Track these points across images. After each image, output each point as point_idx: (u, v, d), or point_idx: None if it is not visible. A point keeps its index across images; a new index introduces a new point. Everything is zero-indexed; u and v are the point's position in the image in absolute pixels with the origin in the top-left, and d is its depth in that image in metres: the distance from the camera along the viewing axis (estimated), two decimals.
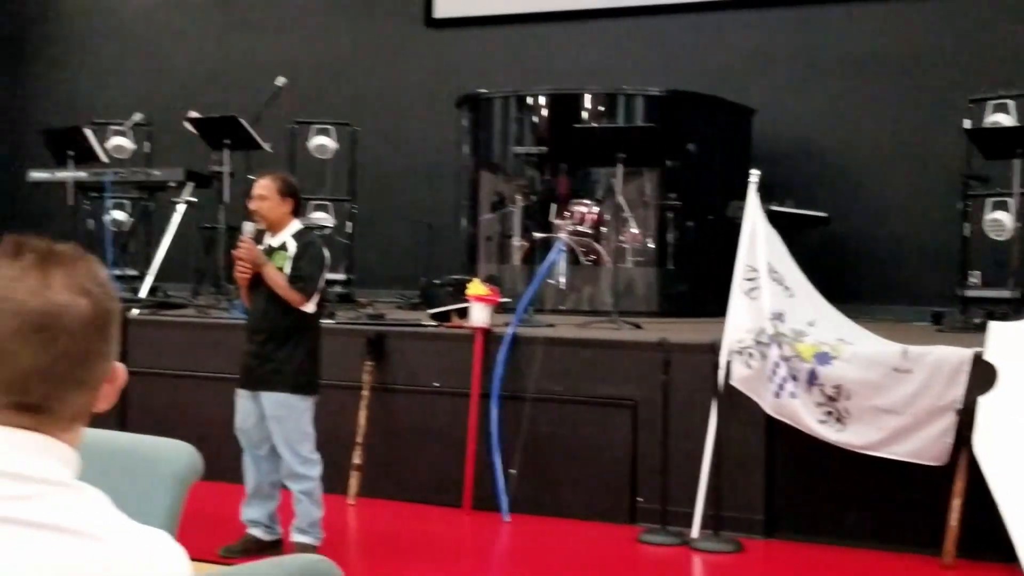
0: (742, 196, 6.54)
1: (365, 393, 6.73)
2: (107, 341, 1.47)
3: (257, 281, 5.46)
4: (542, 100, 9.58)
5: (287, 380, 5.42)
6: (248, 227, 5.54)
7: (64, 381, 1.42)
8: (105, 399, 1.51)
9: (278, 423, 5.41)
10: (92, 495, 1.42)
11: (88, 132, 9.40)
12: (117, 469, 2.39)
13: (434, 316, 7.39)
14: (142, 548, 1.40)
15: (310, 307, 5.49)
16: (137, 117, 10.35)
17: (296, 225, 5.64)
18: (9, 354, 1.38)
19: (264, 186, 5.54)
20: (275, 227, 5.56)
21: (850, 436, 5.69)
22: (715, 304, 8.51)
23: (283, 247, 5.51)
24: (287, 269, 5.44)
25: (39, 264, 1.41)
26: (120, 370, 1.51)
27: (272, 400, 5.41)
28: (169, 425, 5.96)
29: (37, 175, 9.61)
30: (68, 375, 1.42)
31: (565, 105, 9.51)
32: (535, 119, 9.66)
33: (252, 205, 5.58)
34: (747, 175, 6.42)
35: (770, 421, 5.95)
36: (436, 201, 10.83)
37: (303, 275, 5.45)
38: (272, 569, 1.49)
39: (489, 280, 7.41)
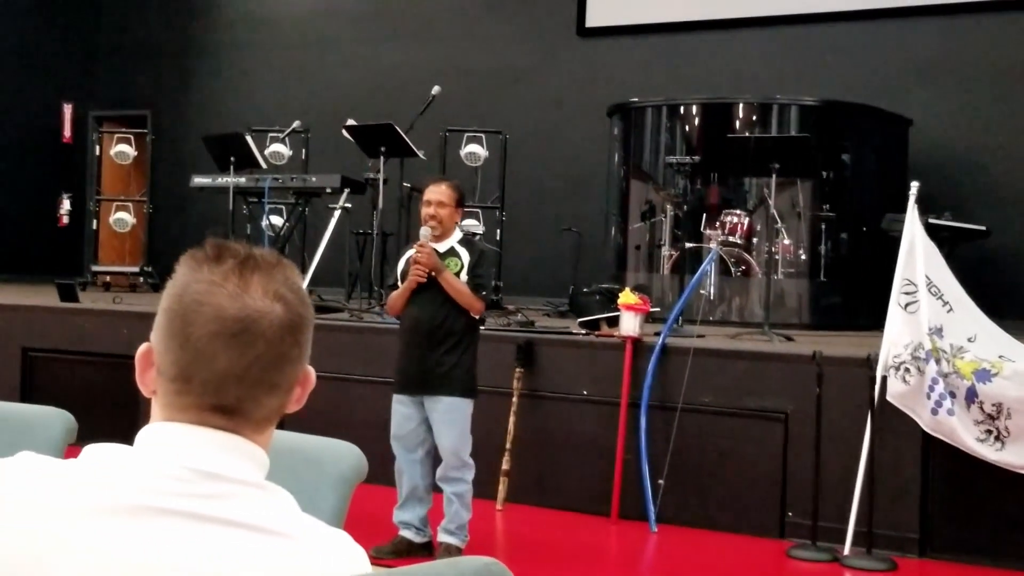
0: (897, 208, 6.41)
1: (514, 399, 6.77)
2: (300, 346, 1.51)
3: (421, 286, 5.50)
4: (694, 109, 9.52)
5: (458, 384, 5.49)
6: (425, 232, 5.57)
7: (258, 384, 1.46)
8: (296, 402, 1.56)
9: (447, 426, 5.47)
10: (283, 496, 1.47)
11: (248, 139, 9.65)
12: (283, 468, 2.43)
13: (583, 324, 7.40)
14: (330, 547, 1.45)
15: (479, 314, 5.59)
16: (296, 124, 10.60)
17: (459, 232, 5.71)
18: (207, 357, 1.43)
19: (443, 192, 5.60)
20: (443, 234, 5.62)
21: (1010, 455, 5.53)
22: (868, 317, 8.39)
23: (452, 253, 5.58)
24: (463, 276, 5.51)
25: (238, 269, 1.46)
26: (311, 373, 1.57)
27: (444, 404, 5.47)
28: (321, 427, 6.08)
29: (200, 180, 9.90)
30: (262, 378, 1.46)
31: (717, 114, 9.44)
32: (687, 128, 9.61)
33: (430, 211, 5.59)
34: (903, 187, 6.30)
35: (926, 438, 5.82)
36: (585, 209, 10.86)
37: (484, 283, 5.56)
38: (447, 569, 1.51)
39: (638, 289, 7.40)
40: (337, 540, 1.47)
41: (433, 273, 5.46)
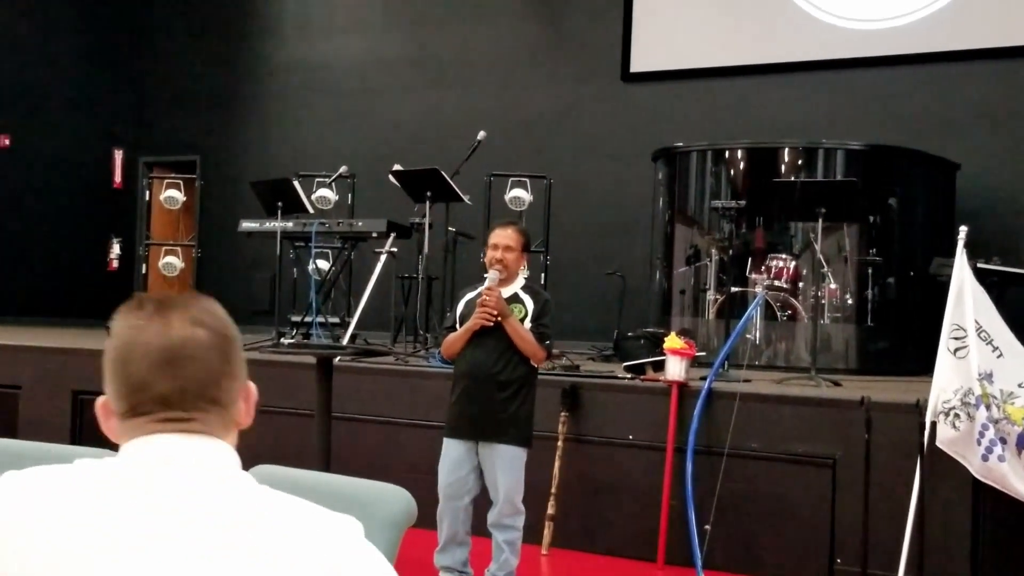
0: (945, 252, 6.37)
1: (560, 444, 6.76)
2: (230, 362, 1.71)
3: (482, 330, 5.45)
4: (739, 154, 9.53)
5: (517, 432, 5.43)
6: (493, 276, 5.48)
7: (199, 399, 1.67)
8: (245, 415, 1.76)
9: (504, 474, 5.41)
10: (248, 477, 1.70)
11: (296, 184, 9.75)
12: (334, 511, 2.45)
13: (629, 368, 7.39)
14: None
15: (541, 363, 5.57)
16: (342, 170, 10.69)
17: (522, 279, 5.67)
18: (148, 385, 1.65)
19: (511, 237, 5.54)
20: (507, 279, 5.56)
21: None
22: (916, 362, 8.33)
23: (515, 299, 5.52)
24: (527, 323, 5.47)
25: (158, 311, 1.68)
26: (252, 389, 1.77)
27: (503, 452, 5.42)
28: (368, 470, 6.10)
29: (247, 225, 9.99)
30: (202, 394, 1.67)
31: (763, 159, 9.44)
32: (732, 172, 9.61)
33: (497, 254, 5.51)
34: (950, 231, 6.27)
35: (977, 484, 5.75)
36: (630, 253, 10.86)
37: (548, 333, 5.51)
38: None
39: (684, 333, 7.38)
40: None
41: (500, 318, 5.45)
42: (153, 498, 1.57)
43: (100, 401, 1.71)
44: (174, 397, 1.65)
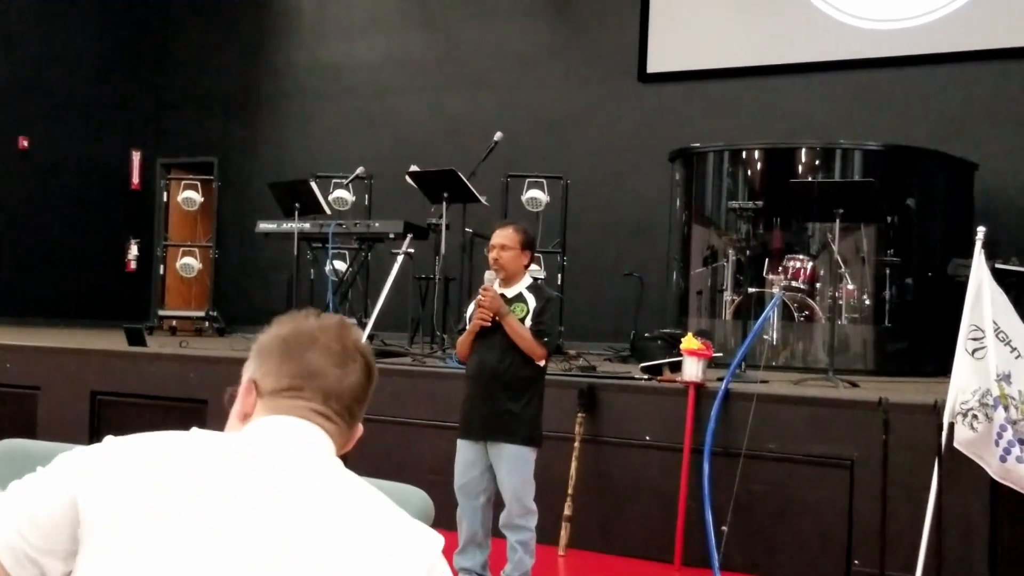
0: (963, 253, 6.35)
1: (576, 444, 6.76)
2: (370, 393, 1.94)
3: (487, 330, 5.49)
4: (757, 154, 9.51)
5: (522, 432, 5.43)
6: (490, 276, 5.53)
7: (345, 407, 1.88)
8: (351, 443, 1.94)
9: (510, 474, 5.43)
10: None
11: (313, 185, 9.76)
12: None
13: (645, 369, 7.38)
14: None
15: (543, 360, 5.55)
16: (359, 171, 10.71)
17: (528, 278, 5.68)
18: (320, 374, 1.87)
19: (507, 236, 5.55)
20: (511, 278, 5.58)
21: None
22: (934, 363, 8.31)
23: (519, 299, 5.54)
24: (528, 322, 5.48)
25: (338, 322, 1.95)
26: (361, 427, 1.96)
27: (508, 452, 5.43)
28: (384, 471, 6.11)
29: (265, 226, 10.02)
30: (349, 405, 1.89)
31: (780, 159, 9.42)
32: (749, 173, 9.60)
33: (493, 254, 5.57)
34: (968, 231, 6.24)
35: (995, 485, 5.73)
36: (647, 254, 10.86)
37: (548, 330, 5.50)
38: None
39: (701, 334, 7.37)
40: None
41: (497, 317, 5.47)
42: (269, 472, 1.71)
43: (246, 379, 1.89)
44: (333, 394, 1.85)
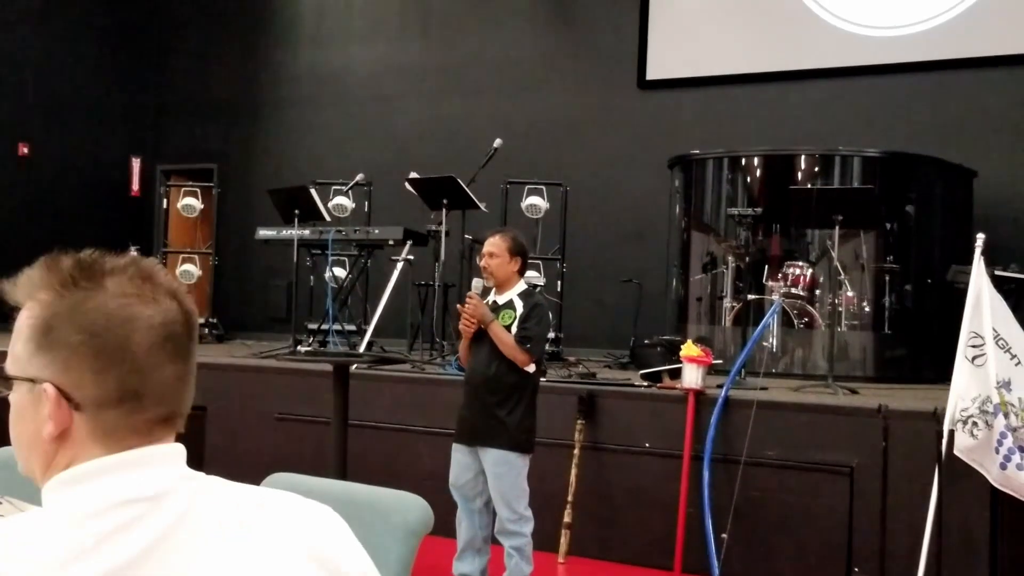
0: (962, 259, 6.34)
1: (576, 451, 6.76)
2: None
3: (479, 337, 5.52)
4: (756, 161, 9.52)
5: (508, 437, 5.45)
6: (477, 283, 5.60)
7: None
8: None
9: (496, 479, 5.46)
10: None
11: (312, 192, 9.77)
12: (351, 520, 2.45)
13: (645, 376, 7.39)
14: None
15: (531, 367, 5.55)
16: (359, 177, 10.71)
17: (522, 284, 5.69)
18: (152, 367, 1.43)
19: (495, 243, 5.59)
20: (502, 285, 5.62)
21: None
22: (933, 370, 8.31)
23: (509, 305, 5.56)
24: (514, 328, 5.50)
25: (143, 279, 1.47)
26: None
27: (492, 456, 5.46)
28: (385, 477, 6.11)
29: (264, 233, 10.03)
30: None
31: (779, 166, 9.43)
32: (748, 180, 9.60)
33: (482, 262, 5.64)
34: (968, 238, 6.25)
35: (995, 492, 5.73)
36: (646, 261, 10.85)
37: (531, 335, 5.50)
38: None
39: (700, 341, 7.37)
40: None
41: (481, 324, 5.48)
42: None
43: (50, 390, 1.39)
44: (180, 383, 1.45)
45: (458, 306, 5.61)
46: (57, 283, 1.41)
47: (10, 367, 1.44)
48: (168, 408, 1.45)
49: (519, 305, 5.55)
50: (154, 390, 1.42)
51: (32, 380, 1.40)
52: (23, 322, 1.42)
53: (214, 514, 1.42)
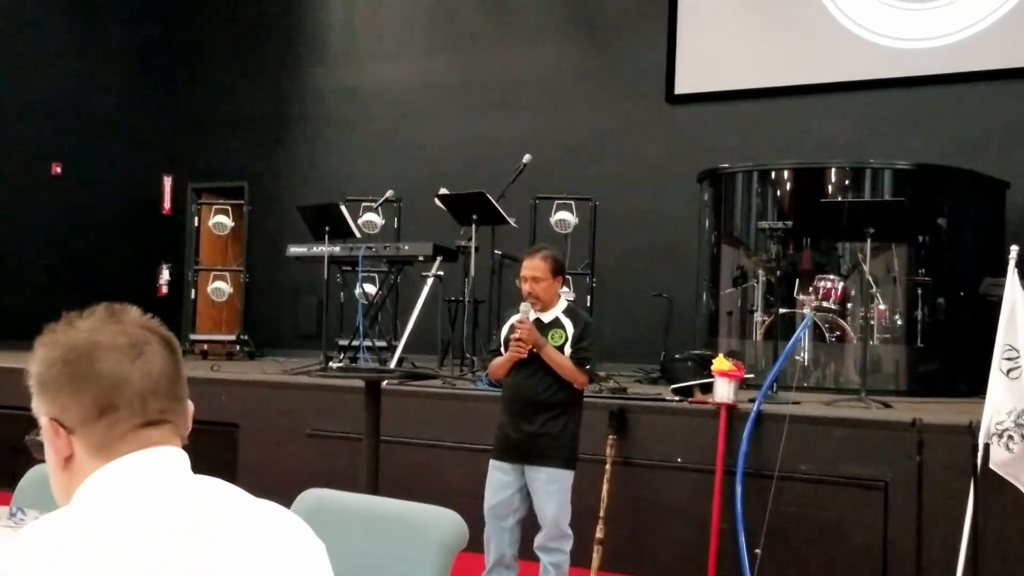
0: (995, 272, 6.29)
1: (608, 467, 6.74)
2: (181, 364, 1.74)
3: (528, 357, 5.49)
4: (786, 174, 9.49)
5: (559, 455, 5.44)
6: (524, 308, 5.54)
7: (170, 396, 1.69)
8: (188, 425, 1.74)
9: (547, 497, 5.43)
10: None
11: (342, 208, 9.80)
12: (386, 536, 2.45)
13: (676, 391, 7.36)
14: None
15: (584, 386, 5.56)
16: (389, 194, 10.74)
17: (563, 301, 5.67)
18: (125, 380, 1.64)
19: (536, 267, 5.54)
20: (546, 305, 5.60)
21: None
22: (967, 383, 8.25)
23: (556, 323, 5.54)
24: (567, 349, 5.48)
25: (109, 315, 1.71)
26: (191, 404, 1.76)
27: (545, 475, 5.44)
28: (416, 492, 6.11)
29: (295, 250, 10.06)
30: (171, 390, 1.69)
31: (810, 179, 9.39)
32: (778, 193, 9.57)
33: (526, 287, 5.57)
34: (1000, 250, 6.20)
35: None
36: (676, 275, 10.83)
37: (589, 356, 5.50)
38: None
39: (731, 355, 7.34)
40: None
41: (535, 349, 5.46)
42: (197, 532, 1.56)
43: (45, 421, 1.65)
44: (148, 392, 1.64)
45: (514, 335, 5.54)
46: (43, 339, 1.68)
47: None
48: (146, 416, 1.64)
49: (567, 324, 5.53)
50: (128, 401, 1.62)
51: (42, 426, 1.66)
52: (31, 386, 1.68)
53: (191, 519, 1.56)
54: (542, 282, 5.53)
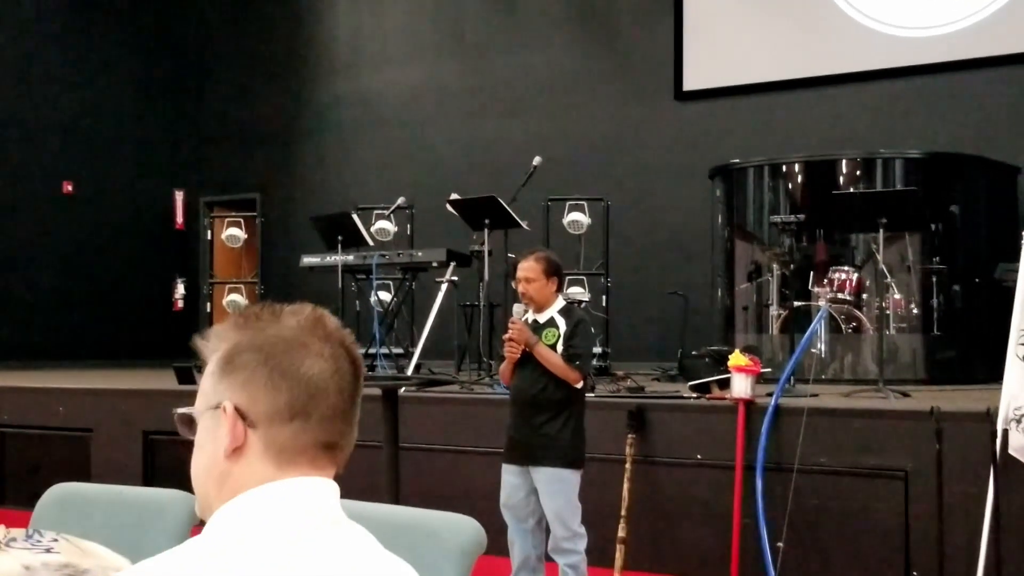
0: (1010, 257, 6.27)
1: (628, 466, 6.74)
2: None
3: (524, 357, 5.51)
4: (797, 167, 9.48)
5: (559, 454, 5.44)
6: (518, 308, 5.59)
7: (350, 417, 1.64)
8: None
9: (550, 497, 5.45)
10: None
11: (355, 217, 9.82)
12: (404, 543, 2.45)
13: (694, 388, 7.36)
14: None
15: (580, 383, 5.55)
16: (400, 201, 10.77)
17: (560, 302, 5.69)
18: (326, 390, 1.58)
19: (530, 268, 5.55)
20: (541, 306, 5.63)
21: None
22: (985, 370, 8.23)
23: (550, 323, 5.56)
24: (559, 347, 5.50)
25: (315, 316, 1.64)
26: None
27: (545, 475, 5.45)
28: (437, 499, 6.13)
29: (309, 260, 10.10)
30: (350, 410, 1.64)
31: (821, 171, 9.39)
32: (791, 186, 9.57)
33: (519, 288, 5.61)
34: (1014, 235, 6.18)
35: None
36: (690, 272, 10.84)
37: (579, 353, 5.50)
38: None
39: (748, 350, 7.33)
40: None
41: (527, 348, 5.49)
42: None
43: (227, 405, 1.55)
44: (339, 412, 1.58)
45: (504, 336, 5.59)
46: (241, 321, 1.60)
47: (197, 405, 1.62)
48: (331, 436, 1.57)
49: (561, 323, 5.55)
50: (322, 413, 1.55)
51: (215, 407, 1.56)
52: (210, 361, 1.60)
53: (331, 571, 1.49)
54: (535, 283, 5.55)
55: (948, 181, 9.26)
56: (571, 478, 5.47)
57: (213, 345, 1.60)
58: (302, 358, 1.54)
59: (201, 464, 1.59)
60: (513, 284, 5.77)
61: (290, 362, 1.54)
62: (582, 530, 5.52)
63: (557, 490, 5.44)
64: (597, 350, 9.63)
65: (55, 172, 13.55)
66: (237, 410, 1.53)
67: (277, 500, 1.52)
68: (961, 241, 9.16)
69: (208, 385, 1.59)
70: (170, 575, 1.44)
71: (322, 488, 1.56)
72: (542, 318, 5.58)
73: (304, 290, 12.83)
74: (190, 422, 1.62)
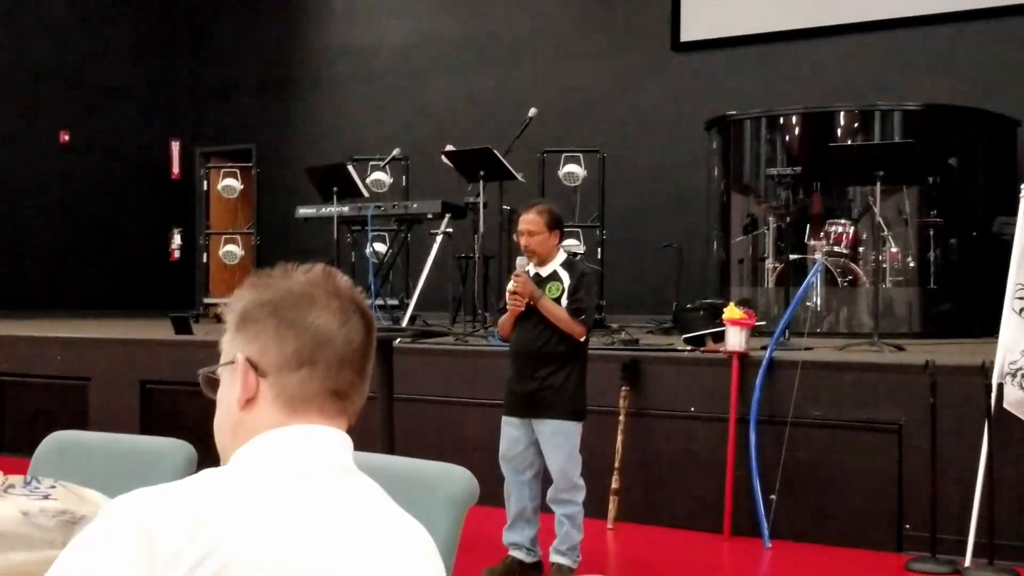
0: (1007, 211, 6.26)
1: (621, 418, 6.76)
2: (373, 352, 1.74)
3: (527, 310, 5.49)
4: (794, 119, 9.44)
5: (564, 406, 5.45)
6: (521, 261, 5.56)
7: (364, 367, 1.69)
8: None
9: (554, 449, 5.46)
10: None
11: (350, 168, 9.79)
12: (397, 493, 2.45)
13: (688, 340, 7.37)
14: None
15: (583, 337, 5.55)
16: (396, 152, 10.72)
17: (562, 254, 5.67)
18: (334, 338, 1.64)
19: (532, 221, 5.52)
20: (544, 259, 5.61)
21: None
22: (981, 324, 8.24)
23: (553, 277, 5.54)
24: (563, 300, 5.49)
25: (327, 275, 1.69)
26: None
27: (550, 427, 5.45)
28: (431, 450, 6.15)
29: (304, 211, 10.07)
30: (365, 359, 1.70)
31: (818, 123, 9.36)
32: (787, 139, 9.54)
33: (521, 240, 5.57)
34: (1012, 189, 6.17)
35: None
36: (686, 225, 10.82)
37: (584, 307, 5.49)
38: None
39: (743, 303, 7.33)
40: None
41: (531, 301, 5.48)
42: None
43: (239, 357, 1.62)
44: (346, 361, 1.63)
45: (508, 288, 5.56)
46: (255, 280, 1.69)
47: (218, 364, 1.69)
48: (339, 384, 1.63)
49: (564, 276, 5.53)
50: (328, 361, 1.61)
51: (231, 362, 1.64)
52: (227, 320, 1.68)
53: (335, 515, 1.52)
54: (537, 236, 5.52)
55: (947, 134, 9.23)
56: (574, 430, 5.49)
57: (232, 307, 1.68)
58: (309, 309, 1.61)
59: (220, 418, 1.67)
60: (515, 237, 5.73)
61: (297, 313, 1.61)
62: (582, 482, 5.54)
63: (560, 442, 5.45)
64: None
65: (51, 122, 13.49)
66: (249, 361, 1.61)
67: (285, 443, 1.59)
68: (959, 194, 9.14)
69: (225, 342, 1.68)
70: (185, 495, 1.48)
71: (331, 435, 1.62)
72: (544, 271, 5.56)
73: (300, 241, 12.88)
74: (214, 385, 1.69)
